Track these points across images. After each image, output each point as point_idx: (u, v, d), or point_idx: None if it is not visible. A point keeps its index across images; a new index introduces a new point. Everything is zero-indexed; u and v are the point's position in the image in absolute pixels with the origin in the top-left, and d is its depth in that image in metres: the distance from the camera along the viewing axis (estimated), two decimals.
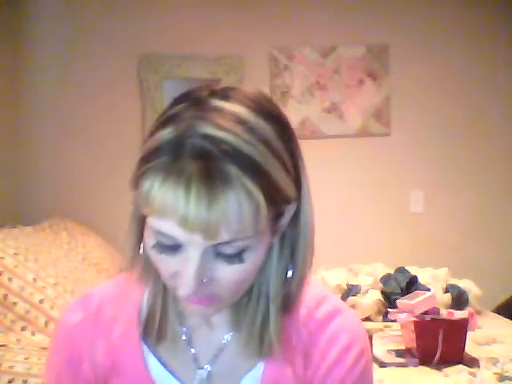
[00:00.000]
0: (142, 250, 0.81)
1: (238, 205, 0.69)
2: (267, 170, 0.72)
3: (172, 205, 0.69)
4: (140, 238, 0.80)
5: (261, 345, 0.84)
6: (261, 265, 0.79)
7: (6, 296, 2.08)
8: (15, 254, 2.18)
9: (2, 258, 2.13)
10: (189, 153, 0.70)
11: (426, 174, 3.55)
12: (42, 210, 3.22)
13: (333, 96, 3.49)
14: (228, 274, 0.74)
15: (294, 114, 3.31)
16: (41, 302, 2.10)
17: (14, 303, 2.08)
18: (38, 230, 2.69)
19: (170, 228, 0.71)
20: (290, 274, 0.82)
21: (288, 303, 0.84)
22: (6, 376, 1.84)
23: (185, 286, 0.73)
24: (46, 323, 2.08)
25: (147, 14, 3.41)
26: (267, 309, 0.83)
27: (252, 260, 0.75)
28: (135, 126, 3.37)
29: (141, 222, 0.78)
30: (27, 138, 3.35)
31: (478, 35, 3.55)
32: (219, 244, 0.72)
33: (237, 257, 0.73)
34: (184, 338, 0.88)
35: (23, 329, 2.07)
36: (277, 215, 0.77)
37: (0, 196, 3.09)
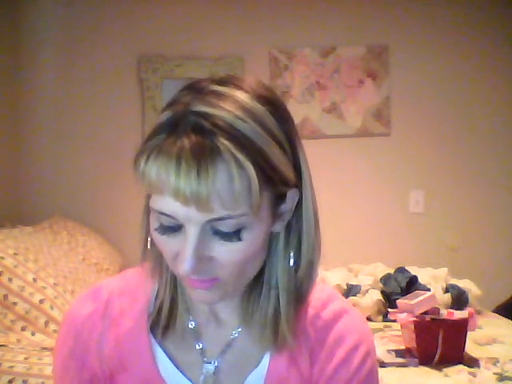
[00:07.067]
0: (149, 245, 0.83)
1: (229, 177, 0.71)
2: (260, 145, 0.73)
3: (165, 178, 0.71)
4: (150, 231, 0.81)
5: (274, 336, 0.84)
6: (260, 249, 0.79)
7: (6, 296, 2.08)
8: (15, 254, 2.19)
9: (2, 258, 2.13)
10: (183, 129, 0.72)
11: (426, 174, 3.55)
12: (42, 210, 3.22)
13: (333, 96, 3.49)
14: (226, 253, 0.75)
15: (294, 114, 3.24)
16: (41, 302, 2.10)
17: (14, 303, 2.08)
18: (38, 230, 2.69)
19: (167, 203, 0.73)
20: (291, 262, 0.83)
21: (299, 293, 0.85)
22: (6, 376, 1.84)
23: (184, 263, 0.74)
24: (46, 323, 2.08)
25: (147, 14, 3.41)
26: (278, 299, 0.83)
27: (250, 240, 0.76)
28: (135, 125, 3.37)
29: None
30: (27, 138, 3.35)
31: (477, 35, 3.55)
32: (216, 220, 0.73)
33: (235, 235, 0.74)
34: (192, 333, 0.89)
35: (23, 329, 2.07)
36: (277, 198, 0.78)
37: (0, 196, 3.09)
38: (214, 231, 0.74)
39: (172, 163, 0.70)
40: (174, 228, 0.75)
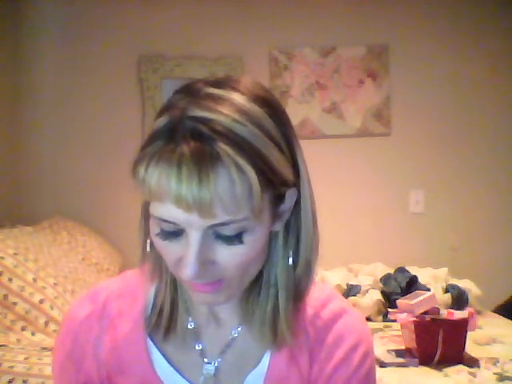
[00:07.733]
0: (148, 248, 0.83)
1: (230, 182, 0.70)
2: (259, 148, 0.73)
3: (166, 185, 0.70)
4: (148, 234, 0.81)
5: (274, 334, 0.84)
6: (262, 250, 0.79)
7: (6, 296, 2.08)
8: (15, 253, 2.19)
9: (2, 258, 2.13)
10: (181, 135, 0.71)
11: (425, 174, 3.55)
12: (42, 210, 3.22)
13: (333, 96, 3.49)
14: (229, 257, 0.75)
15: (294, 113, 3.31)
16: (41, 302, 2.10)
17: (14, 303, 2.08)
18: (38, 230, 2.69)
19: (168, 210, 0.72)
20: (290, 260, 0.83)
21: (297, 291, 0.85)
22: (6, 376, 1.84)
23: (187, 268, 0.74)
24: (46, 323, 2.09)
25: (147, 14, 3.41)
26: (277, 298, 0.83)
27: (252, 242, 0.75)
28: (135, 126, 3.37)
29: (149, 218, 0.79)
30: (27, 138, 3.35)
31: (478, 35, 3.55)
32: (218, 226, 0.73)
33: (236, 238, 0.74)
34: (192, 334, 0.89)
35: (23, 329, 2.07)
36: (276, 199, 0.78)
37: (0, 196, 3.09)
38: (216, 235, 0.74)
39: (173, 170, 0.70)
40: (175, 233, 0.75)
